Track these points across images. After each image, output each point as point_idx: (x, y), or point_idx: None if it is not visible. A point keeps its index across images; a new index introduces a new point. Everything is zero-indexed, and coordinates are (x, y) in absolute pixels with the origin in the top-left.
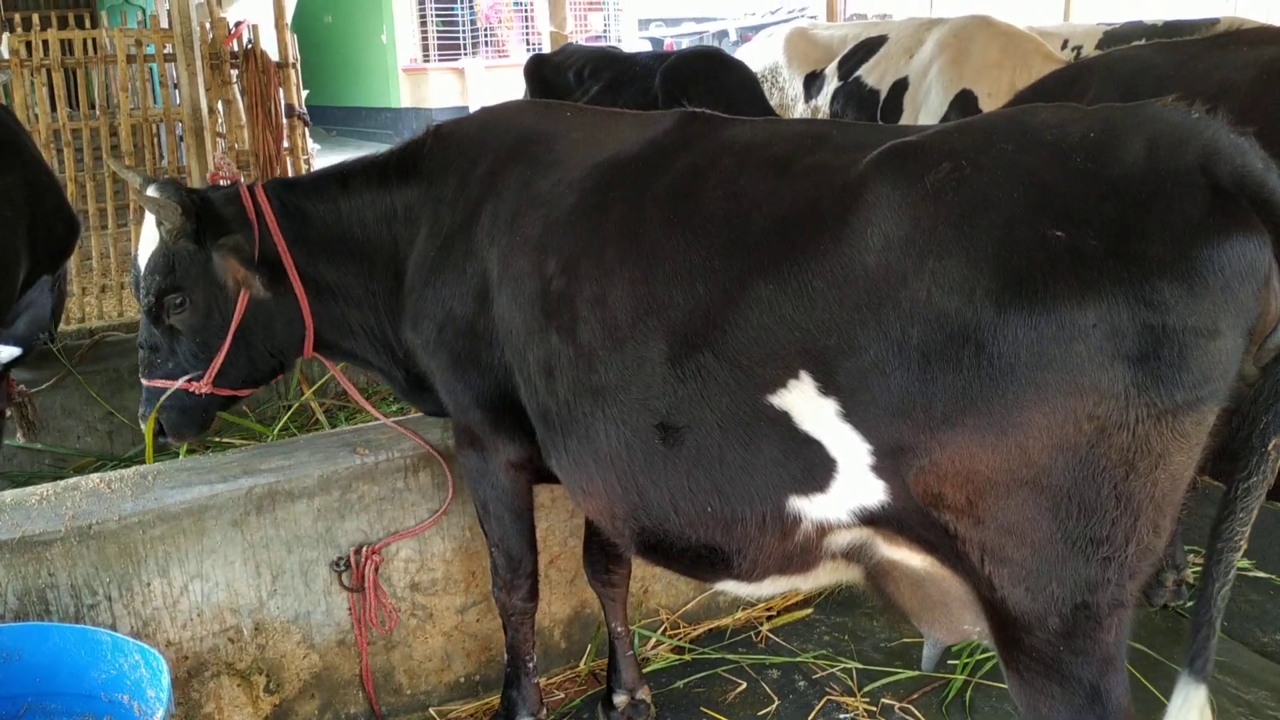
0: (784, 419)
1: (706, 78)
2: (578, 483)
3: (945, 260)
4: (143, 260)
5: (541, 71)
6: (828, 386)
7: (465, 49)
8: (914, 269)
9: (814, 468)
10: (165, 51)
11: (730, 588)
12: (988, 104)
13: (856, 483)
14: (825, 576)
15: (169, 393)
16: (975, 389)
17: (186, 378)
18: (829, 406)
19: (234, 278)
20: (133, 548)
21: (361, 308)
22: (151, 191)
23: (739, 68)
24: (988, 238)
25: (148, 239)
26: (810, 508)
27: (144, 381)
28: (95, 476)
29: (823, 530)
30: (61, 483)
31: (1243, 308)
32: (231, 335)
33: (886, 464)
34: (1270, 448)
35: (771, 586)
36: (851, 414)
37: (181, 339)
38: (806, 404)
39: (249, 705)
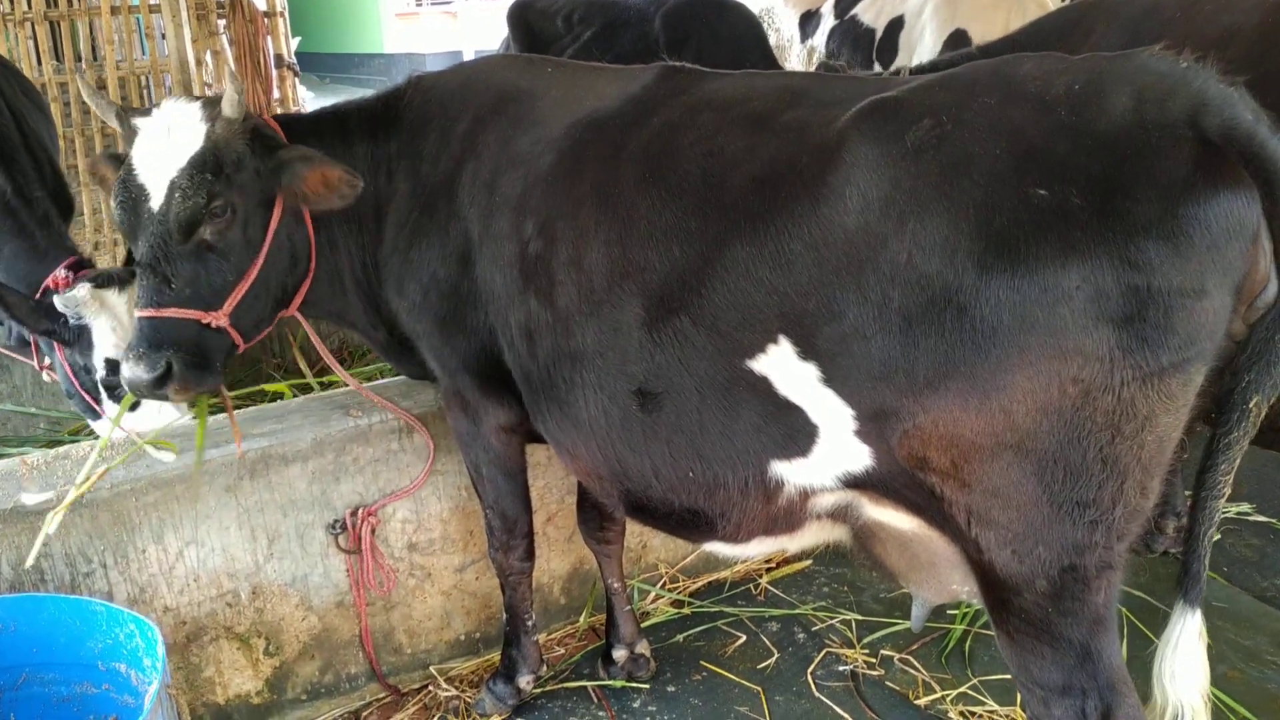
0: (763, 384)
1: (708, 21)
2: (564, 446)
3: (926, 221)
4: (148, 171)
5: (526, 17)
6: (807, 351)
7: None
8: (894, 230)
9: (795, 433)
10: (151, 2)
11: (717, 549)
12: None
13: (839, 447)
14: (812, 537)
15: (180, 324)
16: (958, 353)
17: (203, 310)
18: (809, 371)
19: (313, 187)
20: (126, 515)
21: (354, 261)
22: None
23: (740, 9)
24: (969, 197)
25: (149, 154)
26: (793, 472)
27: (146, 313)
28: (87, 444)
29: (806, 494)
30: (53, 451)
31: (1230, 266)
32: (265, 254)
33: (870, 428)
34: (1252, 405)
35: (758, 547)
36: (832, 379)
37: (210, 259)
38: (786, 369)
39: (249, 668)
